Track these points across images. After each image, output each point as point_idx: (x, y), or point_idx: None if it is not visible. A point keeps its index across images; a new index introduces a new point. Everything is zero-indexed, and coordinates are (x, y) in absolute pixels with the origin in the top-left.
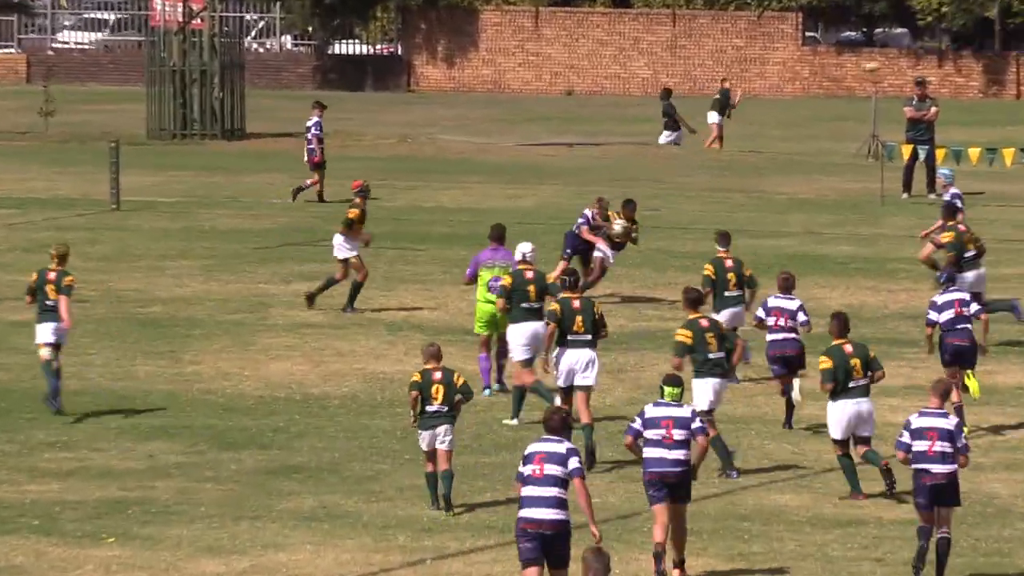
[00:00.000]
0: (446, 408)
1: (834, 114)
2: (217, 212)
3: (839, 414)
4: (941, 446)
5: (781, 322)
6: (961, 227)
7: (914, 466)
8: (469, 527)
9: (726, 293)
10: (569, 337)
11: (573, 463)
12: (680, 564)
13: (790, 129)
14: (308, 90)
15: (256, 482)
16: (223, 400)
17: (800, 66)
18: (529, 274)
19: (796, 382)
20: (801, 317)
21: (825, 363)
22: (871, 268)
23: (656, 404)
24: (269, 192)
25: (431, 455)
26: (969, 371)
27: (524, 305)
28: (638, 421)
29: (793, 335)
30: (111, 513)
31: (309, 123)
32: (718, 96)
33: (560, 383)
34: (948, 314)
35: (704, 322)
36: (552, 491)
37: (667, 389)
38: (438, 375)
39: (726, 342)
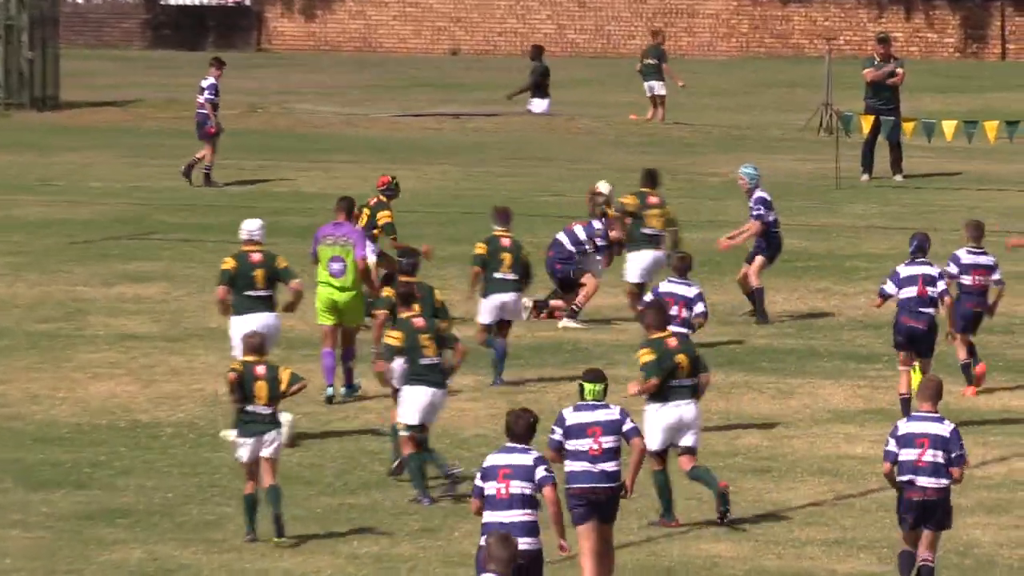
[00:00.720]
0: (270, 410)
1: (779, 79)
2: (25, 198)
3: (660, 419)
4: (933, 455)
5: (674, 311)
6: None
7: (900, 478)
8: None
9: (496, 275)
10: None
11: (541, 472)
12: None
13: (726, 97)
14: (136, 49)
15: (72, 528)
16: (32, 428)
17: (737, 19)
18: (256, 256)
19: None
20: (698, 308)
21: (647, 355)
22: (824, 266)
23: (577, 408)
24: (88, 174)
25: (252, 470)
26: (917, 363)
27: (249, 293)
28: (558, 432)
29: (686, 330)
30: None
31: (203, 83)
32: (650, 60)
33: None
34: (909, 291)
35: (419, 321)
36: (520, 515)
37: (587, 386)
38: (260, 370)
39: (448, 342)
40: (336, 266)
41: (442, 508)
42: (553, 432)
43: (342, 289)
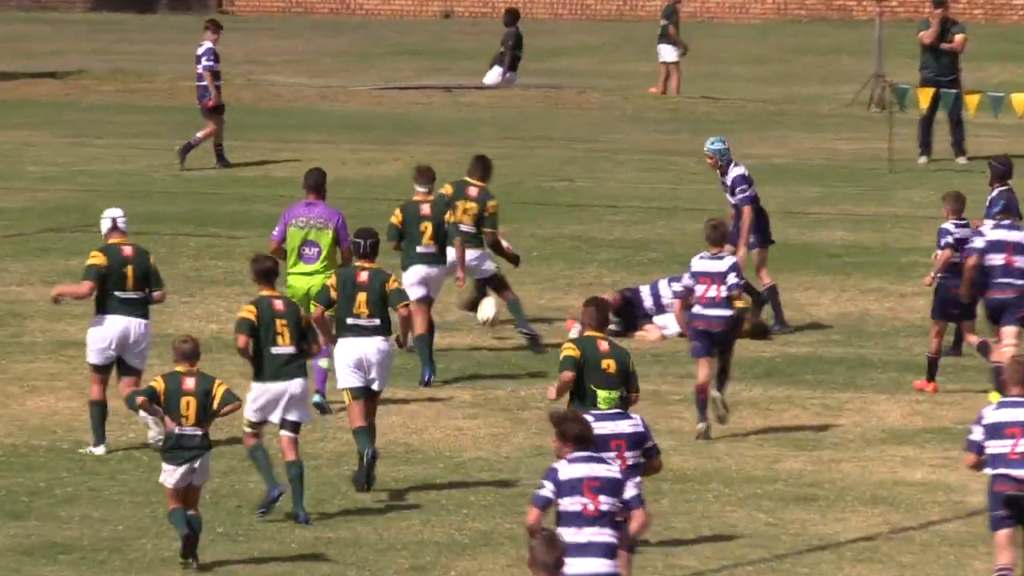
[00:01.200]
0: (199, 433)
1: (823, 45)
2: None
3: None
4: None
5: (712, 291)
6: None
7: (990, 471)
8: None
9: (418, 248)
10: (349, 321)
11: (631, 491)
12: None
13: (760, 66)
14: (78, 11)
15: (7, 566)
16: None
17: None
18: (127, 250)
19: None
20: (731, 279)
21: (570, 350)
22: (876, 262)
23: (597, 416)
24: (24, 156)
25: (179, 494)
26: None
27: (119, 294)
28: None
29: (726, 310)
30: None
31: (199, 50)
32: (662, 20)
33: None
34: (997, 258)
35: (278, 304)
36: (606, 535)
37: (601, 394)
38: (190, 382)
39: (312, 334)
40: (309, 250)
41: (435, 543)
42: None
43: (312, 274)
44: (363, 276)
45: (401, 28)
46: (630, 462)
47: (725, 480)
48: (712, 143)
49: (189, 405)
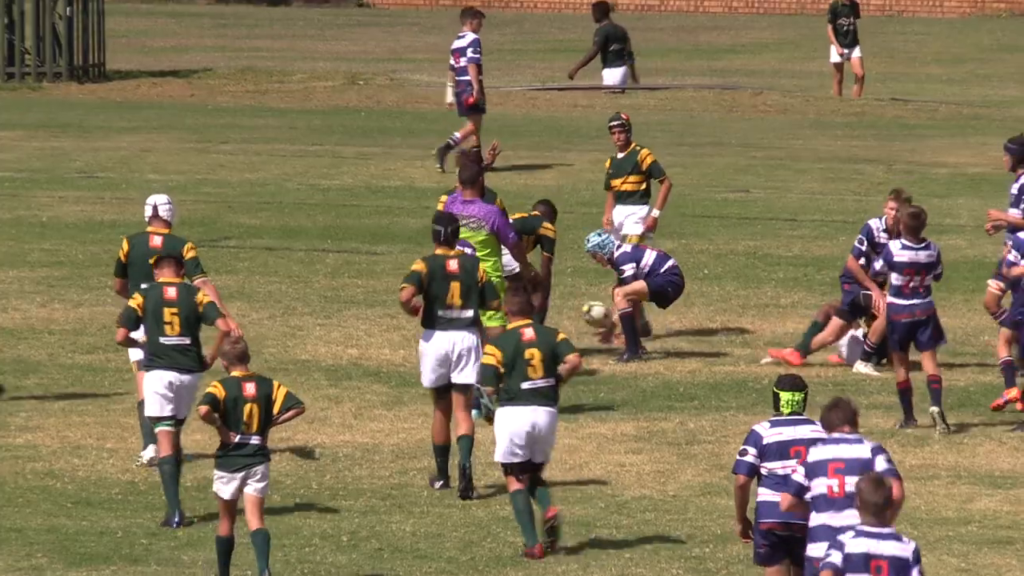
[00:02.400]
0: (260, 440)
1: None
2: (64, 194)
3: (508, 426)
4: None
5: (915, 282)
6: None
7: None
8: None
9: None
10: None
11: (882, 463)
12: None
13: (956, 66)
14: (203, 3)
15: None
16: (72, 488)
17: None
18: (157, 240)
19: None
20: (938, 270)
21: (491, 355)
22: None
23: (774, 423)
24: (144, 163)
25: (230, 507)
26: None
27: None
28: (751, 452)
29: (923, 299)
30: None
31: (458, 44)
32: (830, 16)
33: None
34: None
35: (169, 292)
36: (852, 516)
37: (784, 395)
38: (250, 388)
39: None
40: (468, 250)
41: None
42: (744, 453)
43: None
44: (452, 265)
45: (559, 23)
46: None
47: (913, 522)
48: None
49: (251, 412)
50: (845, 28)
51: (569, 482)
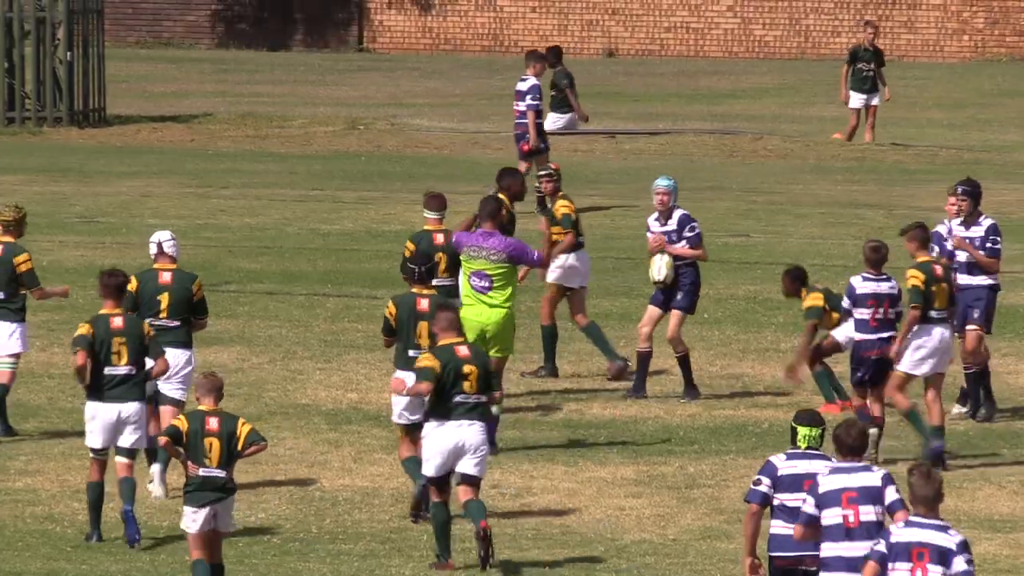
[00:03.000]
0: (223, 474)
1: None
2: (63, 239)
3: (437, 440)
4: None
5: (880, 314)
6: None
7: None
8: None
9: (435, 282)
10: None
11: (892, 494)
12: None
13: (956, 111)
14: (204, 48)
15: None
16: (72, 533)
17: (971, 12)
18: (166, 276)
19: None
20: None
21: (427, 361)
22: None
23: (790, 456)
24: (144, 208)
25: (200, 540)
26: None
27: (151, 321)
28: (765, 482)
29: (890, 332)
30: None
31: (520, 87)
32: (851, 60)
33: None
34: None
35: (116, 322)
36: (866, 548)
37: (802, 430)
38: (214, 422)
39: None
40: (479, 282)
41: None
42: (758, 483)
43: (491, 306)
44: (423, 304)
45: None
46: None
47: None
48: (663, 180)
49: (212, 446)
50: (864, 73)
51: (569, 526)
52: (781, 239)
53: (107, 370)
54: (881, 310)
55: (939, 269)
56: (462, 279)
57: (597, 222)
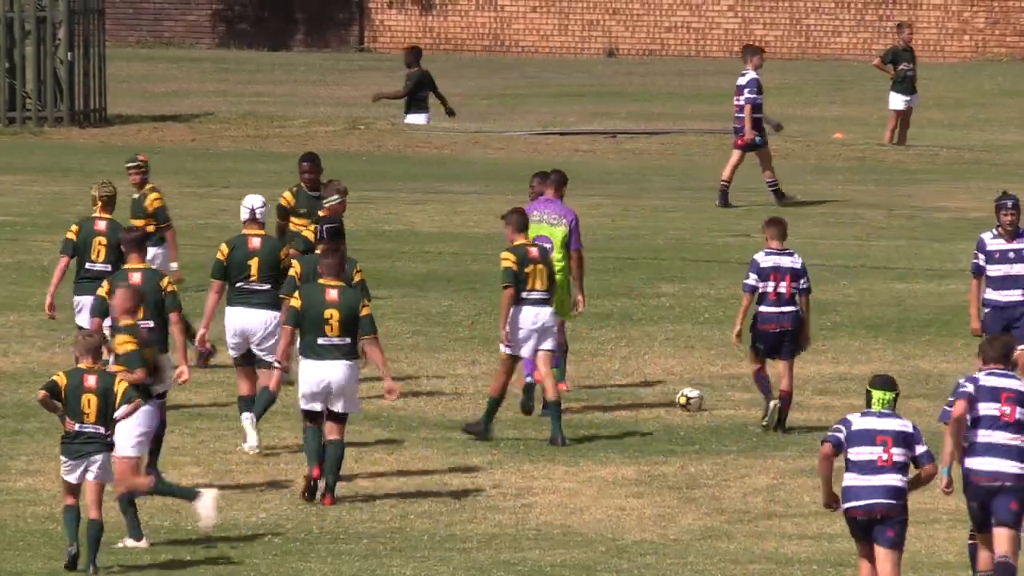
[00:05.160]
0: (102, 429)
1: None
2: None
3: (305, 377)
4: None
5: (782, 288)
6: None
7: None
8: None
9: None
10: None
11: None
12: None
13: (956, 111)
14: (204, 48)
15: None
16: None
17: (971, 12)
18: (255, 242)
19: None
20: (803, 282)
21: (296, 301)
22: None
23: (865, 414)
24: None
25: (74, 489)
26: None
27: (242, 285)
28: (843, 431)
29: (791, 307)
30: None
31: (739, 81)
32: (892, 61)
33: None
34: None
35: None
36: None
37: (876, 394)
38: (91, 380)
39: None
40: (545, 245)
41: None
42: (837, 430)
43: None
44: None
45: (561, 67)
46: (896, 458)
47: (914, 565)
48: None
49: (90, 403)
50: (906, 74)
51: (570, 526)
52: None
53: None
54: (783, 284)
55: (534, 251)
56: None
57: (597, 222)
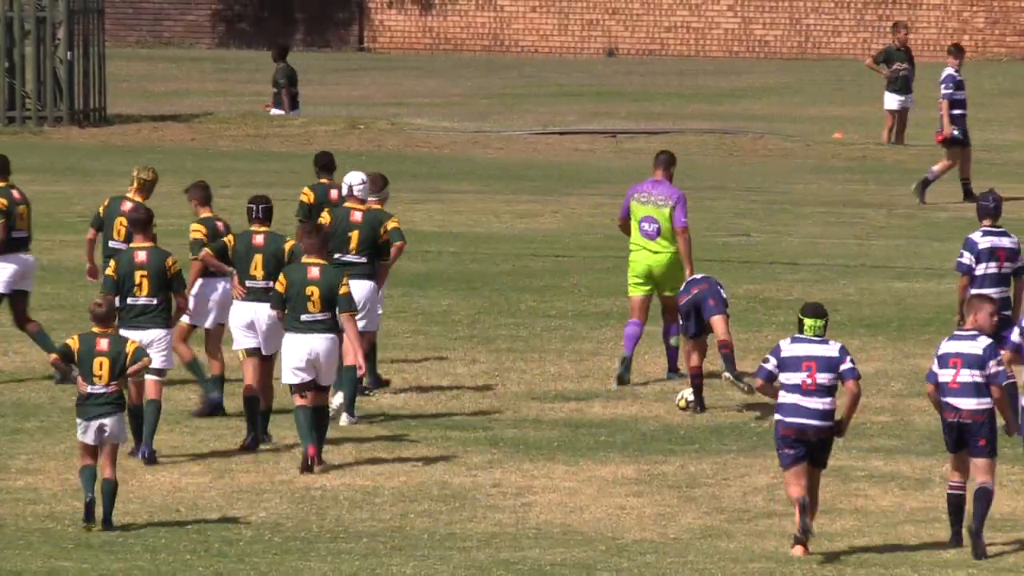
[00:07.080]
0: (113, 390)
1: None
2: (64, 238)
3: (289, 352)
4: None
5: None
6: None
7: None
8: None
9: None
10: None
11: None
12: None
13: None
14: (204, 48)
15: None
16: (72, 530)
17: (971, 11)
18: (357, 215)
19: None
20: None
21: (281, 284)
22: None
23: (794, 340)
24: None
25: (91, 449)
26: None
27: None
28: (772, 361)
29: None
30: None
31: (943, 76)
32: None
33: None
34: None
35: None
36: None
37: (808, 321)
38: (104, 343)
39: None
40: (648, 227)
41: None
42: (766, 361)
43: (656, 252)
44: (258, 239)
45: (560, 67)
46: (821, 381)
47: (914, 564)
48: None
49: (102, 365)
50: (901, 73)
51: (570, 525)
52: (781, 238)
53: (128, 300)
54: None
55: (220, 225)
56: (632, 225)
57: (597, 222)
